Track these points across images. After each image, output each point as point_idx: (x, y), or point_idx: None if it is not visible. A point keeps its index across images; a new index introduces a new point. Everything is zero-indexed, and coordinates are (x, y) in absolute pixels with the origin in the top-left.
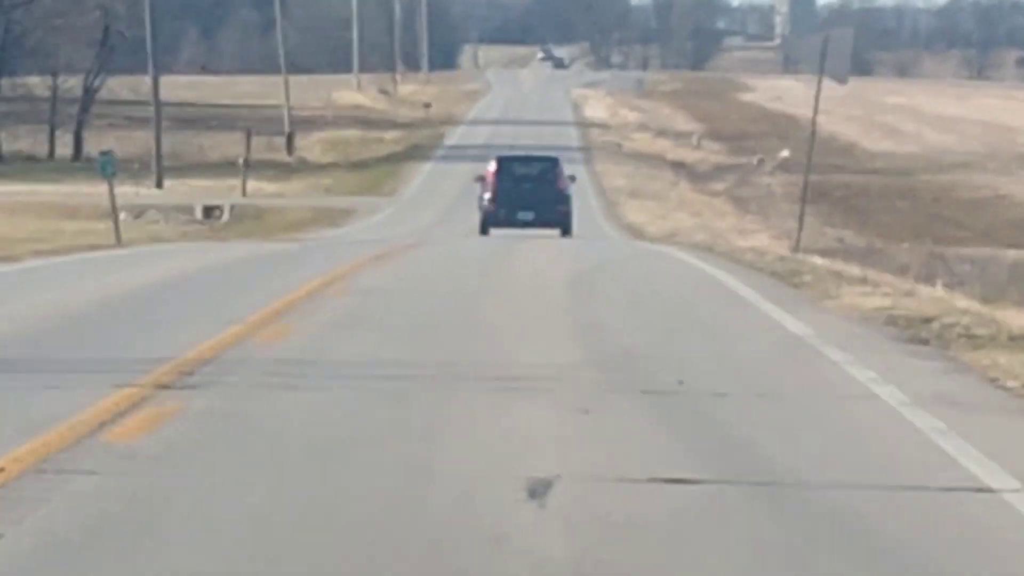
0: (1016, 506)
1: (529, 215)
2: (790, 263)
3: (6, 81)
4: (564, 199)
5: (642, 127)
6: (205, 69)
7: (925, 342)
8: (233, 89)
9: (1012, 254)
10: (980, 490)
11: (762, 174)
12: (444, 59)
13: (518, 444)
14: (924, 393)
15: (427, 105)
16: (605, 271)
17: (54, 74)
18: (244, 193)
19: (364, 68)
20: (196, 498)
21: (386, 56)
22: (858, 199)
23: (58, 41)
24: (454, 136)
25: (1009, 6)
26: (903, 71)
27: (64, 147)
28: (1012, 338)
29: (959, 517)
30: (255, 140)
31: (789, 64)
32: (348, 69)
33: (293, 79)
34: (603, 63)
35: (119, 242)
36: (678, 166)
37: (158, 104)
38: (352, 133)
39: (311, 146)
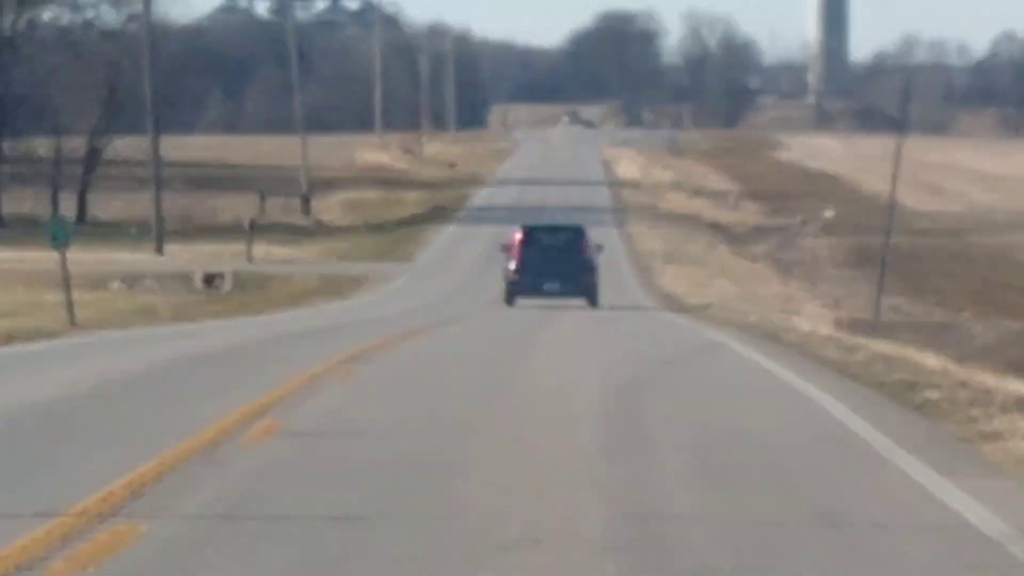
0: None
1: (555, 285)
2: (893, 366)
3: (7, 143)
4: (591, 269)
5: (676, 187)
6: (229, 129)
7: None
8: (255, 149)
9: None
10: None
11: (805, 236)
12: (472, 118)
13: None
14: None
15: (452, 165)
16: (652, 385)
17: (58, 132)
18: (250, 259)
19: (391, 127)
20: None
21: (413, 115)
22: (909, 262)
23: (63, 99)
24: (479, 197)
25: None
26: (940, 129)
27: (68, 210)
28: None
29: None
30: (271, 201)
31: (823, 122)
32: (375, 128)
33: (318, 139)
34: (634, 121)
35: (72, 323)
36: (715, 227)
37: (158, 165)
38: (373, 194)
39: (329, 207)
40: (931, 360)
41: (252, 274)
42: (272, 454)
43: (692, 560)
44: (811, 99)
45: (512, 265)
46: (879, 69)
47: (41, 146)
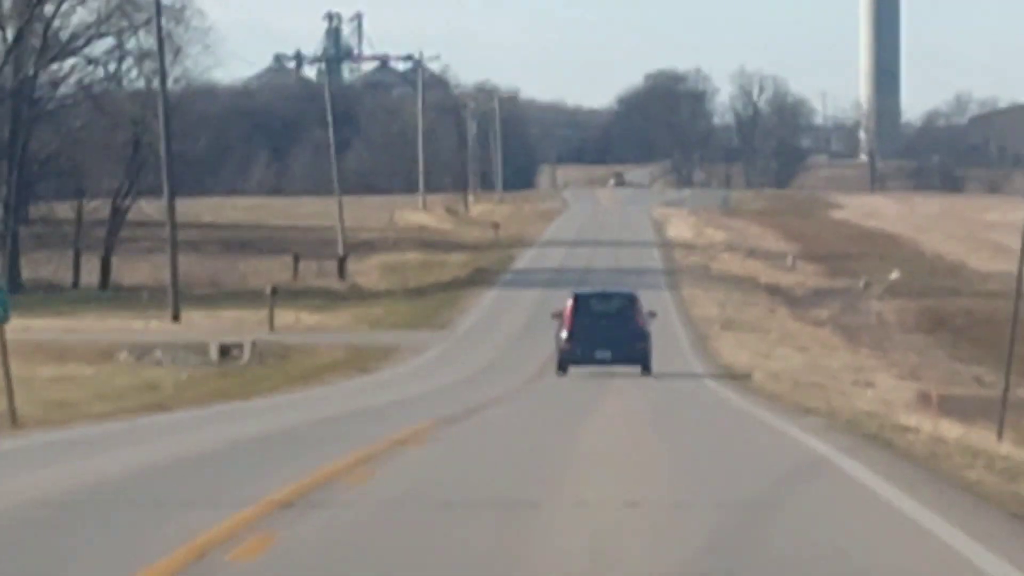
0: None
1: (607, 354)
2: None
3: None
4: (643, 336)
5: (730, 247)
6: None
7: None
8: (296, 210)
9: None
10: None
11: (869, 299)
12: (521, 179)
13: None
14: None
15: (495, 225)
16: (752, 556)
17: (81, 193)
18: (272, 327)
19: (438, 188)
20: None
21: (460, 176)
22: (983, 327)
23: (86, 157)
24: (524, 259)
25: None
26: (993, 188)
27: (92, 274)
28: None
29: None
30: (306, 264)
31: (876, 181)
32: (424, 190)
33: (362, 200)
34: (684, 181)
35: (14, 423)
36: (773, 290)
37: (173, 227)
38: (413, 256)
39: (367, 271)
40: None
41: (273, 344)
42: None
43: None
44: (863, 158)
45: (564, 334)
46: (931, 130)
47: (62, 209)
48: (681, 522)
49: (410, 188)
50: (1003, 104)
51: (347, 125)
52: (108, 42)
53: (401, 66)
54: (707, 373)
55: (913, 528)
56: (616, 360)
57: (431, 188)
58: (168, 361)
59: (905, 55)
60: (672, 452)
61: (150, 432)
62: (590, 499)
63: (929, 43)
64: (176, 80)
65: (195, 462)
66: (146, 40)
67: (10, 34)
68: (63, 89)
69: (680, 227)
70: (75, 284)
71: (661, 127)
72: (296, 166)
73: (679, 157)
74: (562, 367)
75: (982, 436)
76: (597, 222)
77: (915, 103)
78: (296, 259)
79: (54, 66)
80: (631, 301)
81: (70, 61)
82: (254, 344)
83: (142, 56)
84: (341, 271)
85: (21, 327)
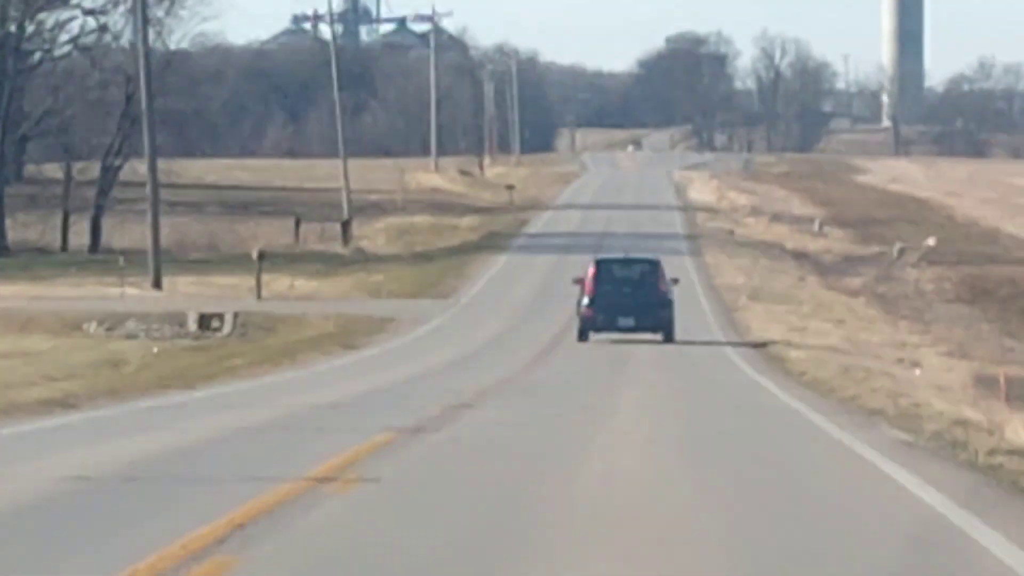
0: None
1: (630, 321)
2: None
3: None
4: (666, 303)
5: (755, 211)
6: (291, 153)
7: None
8: (309, 173)
9: None
10: None
11: (904, 266)
12: (540, 143)
13: None
14: None
15: (510, 187)
16: None
17: (70, 152)
18: (259, 296)
19: (455, 152)
20: None
21: (478, 139)
22: None
23: (76, 114)
24: (539, 222)
25: None
26: (1017, 153)
27: (78, 236)
28: None
29: None
30: (309, 228)
31: (899, 146)
32: (440, 152)
33: (377, 163)
34: (705, 145)
35: None
36: (800, 256)
37: (155, 186)
38: (423, 219)
39: (374, 234)
40: None
41: (258, 315)
42: None
43: None
44: (886, 123)
45: (585, 300)
46: (955, 95)
47: (56, 170)
48: None
49: (427, 152)
50: None
51: (364, 88)
52: None
53: (419, 28)
54: (738, 353)
55: None
56: (639, 327)
57: (448, 151)
58: (141, 333)
59: (929, 18)
60: (711, 483)
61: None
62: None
63: (953, 7)
64: (180, 38)
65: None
66: None
67: None
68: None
69: (702, 190)
70: (63, 247)
71: (682, 91)
72: (312, 129)
73: (700, 121)
74: (583, 335)
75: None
76: (616, 185)
77: (939, 67)
78: (297, 222)
79: (42, 16)
80: (654, 267)
81: (61, 14)
82: (236, 315)
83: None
84: (345, 235)
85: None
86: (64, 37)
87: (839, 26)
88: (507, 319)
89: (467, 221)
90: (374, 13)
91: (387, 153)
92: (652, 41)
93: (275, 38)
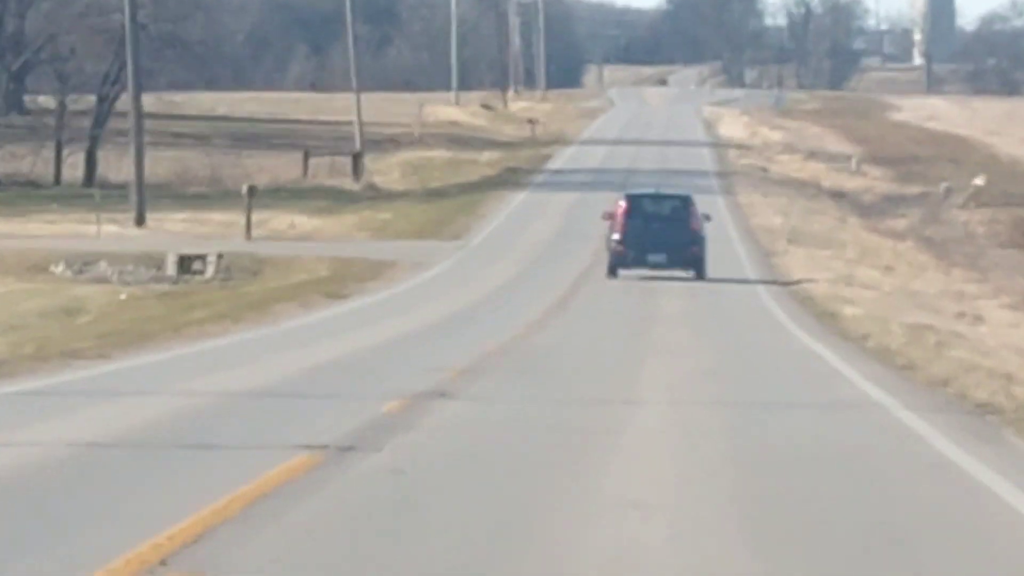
0: None
1: (661, 257)
2: None
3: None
4: (698, 240)
5: (788, 148)
6: (314, 87)
7: None
8: (330, 106)
9: None
10: None
11: (951, 208)
12: (567, 79)
13: None
14: None
15: (532, 121)
16: None
17: (61, 79)
18: (249, 235)
19: (480, 87)
20: None
21: (503, 74)
22: None
23: (76, 43)
24: (562, 158)
25: None
26: None
27: (75, 169)
28: None
29: None
30: (320, 162)
31: (932, 84)
32: (464, 88)
33: (398, 96)
34: (735, 82)
35: None
36: (838, 195)
37: (139, 116)
38: (440, 154)
39: (388, 169)
40: None
41: (245, 256)
42: None
43: None
44: (917, 62)
45: (615, 236)
46: (986, 33)
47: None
48: None
49: (451, 87)
50: None
51: (389, 21)
52: None
53: None
54: (783, 308)
55: None
56: (670, 264)
57: (472, 87)
58: (115, 276)
59: None
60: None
61: None
62: None
63: None
64: None
65: None
66: None
67: None
68: None
69: (733, 127)
70: (57, 180)
71: (711, 27)
72: (336, 62)
73: (729, 58)
74: (613, 271)
75: None
76: (643, 120)
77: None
78: (306, 155)
79: None
80: (686, 203)
81: None
82: (220, 257)
83: None
84: (356, 169)
85: None
86: None
87: None
88: (520, 264)
89: (487, 156)
90: None
91: (411, 88)
92: None
93: None
